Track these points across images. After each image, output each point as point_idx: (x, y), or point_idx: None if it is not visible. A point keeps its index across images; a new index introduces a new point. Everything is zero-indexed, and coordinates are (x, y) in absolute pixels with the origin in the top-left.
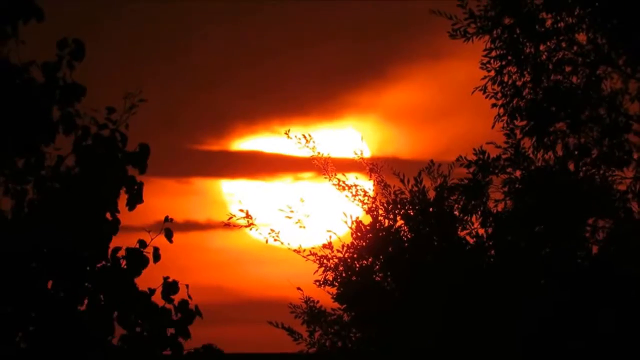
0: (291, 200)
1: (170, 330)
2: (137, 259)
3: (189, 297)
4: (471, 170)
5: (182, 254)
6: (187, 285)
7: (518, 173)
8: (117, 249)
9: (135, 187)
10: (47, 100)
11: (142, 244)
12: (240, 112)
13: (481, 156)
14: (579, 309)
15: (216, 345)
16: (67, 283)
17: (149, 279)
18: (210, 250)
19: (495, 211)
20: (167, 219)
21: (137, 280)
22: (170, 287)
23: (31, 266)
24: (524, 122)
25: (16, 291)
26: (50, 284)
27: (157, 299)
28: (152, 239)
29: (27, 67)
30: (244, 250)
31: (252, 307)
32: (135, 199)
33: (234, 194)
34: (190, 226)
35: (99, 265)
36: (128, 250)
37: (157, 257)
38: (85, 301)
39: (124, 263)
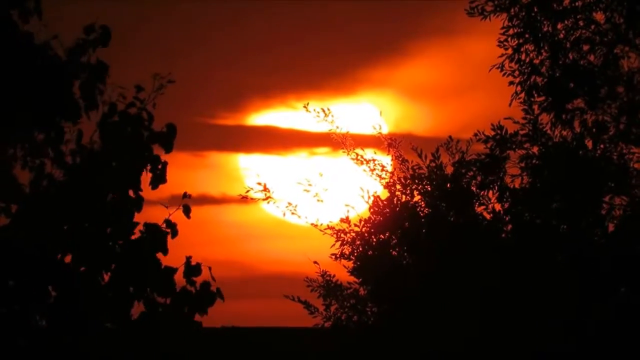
0: (307, 175)
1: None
2: (156, 234)
3: (213, 278)
4: (489, 145)
5: (197, 228)
6: (209, 267)
7: (535, 149)
8: (134, 224)
9: (159, 166)
10: (68, 77)
11: (168, 223)
12: (256, 86)
13: (499, 131)
14: (593, 286)
15: (231, 323)
16: (87, 258)
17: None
18: (225, 225)
19: (512, 186)
20: (185, 195)
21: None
22: (192, 269)
23: (50, 240)
24: (542, 98)
25: (34, 265)
26: (69, 258)
27: (178, 276)
28: (170, 215)
29: (49, 43)
30: (258, 225)
31: (267, 282)
32: (159, 179)
33: (249, 168)
34: (206, 200)
35: (120, 241)
36: (146, 225)
37: (175, 232)
38: (106, 276)
39: (141, 237)
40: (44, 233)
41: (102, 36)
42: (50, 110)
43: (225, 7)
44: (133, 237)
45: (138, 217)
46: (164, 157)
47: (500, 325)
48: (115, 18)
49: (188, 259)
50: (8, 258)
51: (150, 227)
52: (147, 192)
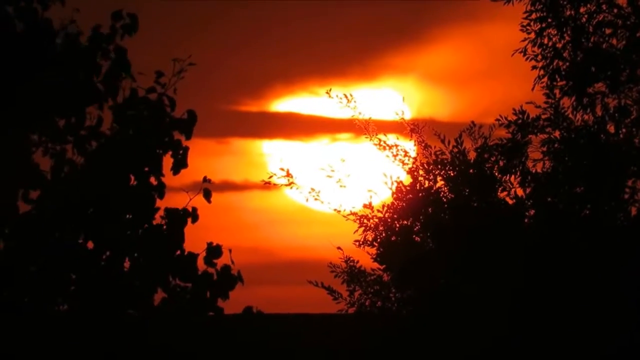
0: (330, 161)
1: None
2: (176, 219)
3: (232, 262)
4: (510, 130)
5: (220, 214)
6: (230, 250)
7: (557, 133)
8: (156, 210)
9: (181, 151)
10: (90, 63)
11: (186, 212)
12: (279, 73)
13: (521, 116)
14: (617, 270)
15: (257, 308)
16: (108, 244)
17: (187, 240)
18: (248, 211)
19: (534, 171)
20: (205, 179)
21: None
22: (213, 251)
23: (72, 227)
24: (564, 82)
25: (56, 252)
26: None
27: (199, 262)
28: (190, 199)
29: (69, 26)
30: (281, 211)
31: (290, 268)
32: (180, 164)
33: (272, 154)
34: (228, 186)
35: (142, 227)
36: (167, 210)
37: (195, 217)
38: (127, 263)
39: (163, 223)
40: (66, 219)
41: (131, 24)
42: (72, 96)
43: None
44: (154, 223)
45: (161, 204)
46: (185, 143)
47: (524, 308)
48: (135, 4)
49: (209, 244)
50: (30, 245)
51: (171, 213)
52: (170, 179)
